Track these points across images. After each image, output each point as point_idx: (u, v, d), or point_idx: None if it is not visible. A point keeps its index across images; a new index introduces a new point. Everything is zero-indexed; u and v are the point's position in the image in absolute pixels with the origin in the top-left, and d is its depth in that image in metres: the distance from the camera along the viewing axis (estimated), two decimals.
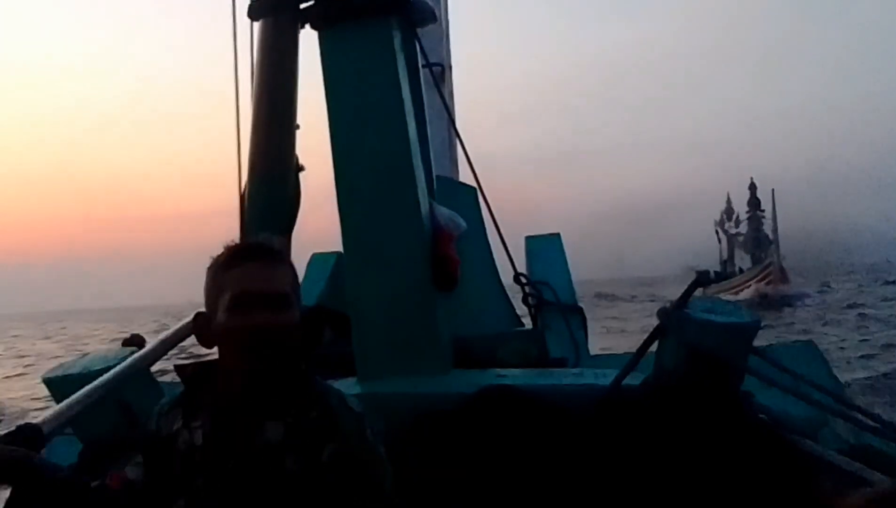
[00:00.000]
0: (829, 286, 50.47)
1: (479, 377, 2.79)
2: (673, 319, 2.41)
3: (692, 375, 2.36)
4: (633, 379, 2.53)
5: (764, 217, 52.59)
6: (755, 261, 50.97)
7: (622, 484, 2.26)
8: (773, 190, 47.44)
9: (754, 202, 54.45)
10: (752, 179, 55.53)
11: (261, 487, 1.53)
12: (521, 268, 3.97)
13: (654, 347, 2.53)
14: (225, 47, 3.23)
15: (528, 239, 4.35)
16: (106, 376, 2.45)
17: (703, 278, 2.87)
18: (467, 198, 3.96)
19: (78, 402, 2.31)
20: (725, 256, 57.11)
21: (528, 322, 3.91)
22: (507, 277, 4.01)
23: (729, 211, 58.48)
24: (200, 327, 1.67)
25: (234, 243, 1.69)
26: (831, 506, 1.95)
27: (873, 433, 2.35)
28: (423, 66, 3.73)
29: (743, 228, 56.17)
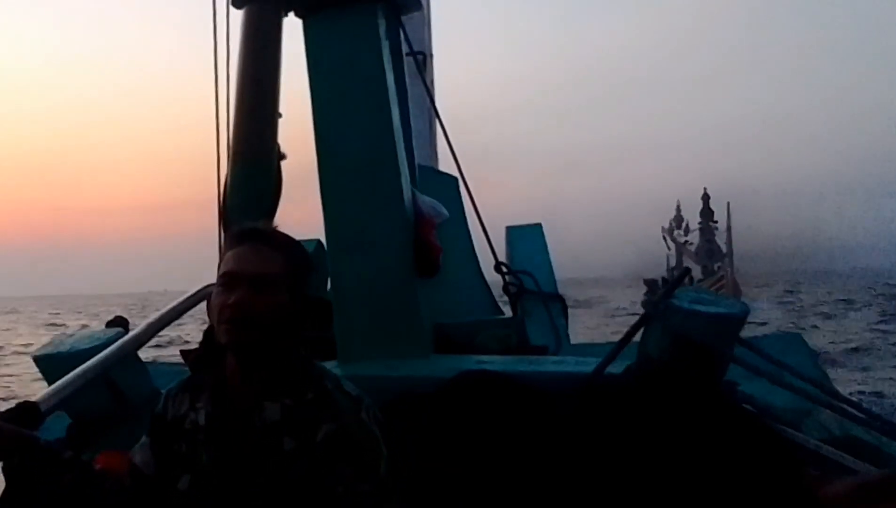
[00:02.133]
0: (790, 293, 50.64)
1: (459, 363, 2.79)
2: (659, 308, 2.40)
3: (676, 363, 2.36)
4: (615, 368, 2.52)
5: (717, 228, 52.39)
6: (706, 273, 50.35)
7: (604, 470, 2.25)
8: (728, 203, 47.05)
9: (707, 213, 53.71)
10: (705, 189, 54.70)
11: (259, 465, 1.60)
12: (502, 257, 3.96)
13: (637, 338, 2.53)
14: (206, 35, 3.19)
15: (510, 229, 4.35)
16: (98, 357, 2.48)
17: (682, 275, 2.88)
18: (449, 187, 3.96)
19: (73, 381, 2.36)
20: (674, 263, 56.81)
21: (509, 312, 3.89)
22: (487, 267, 4.00)
23: (679, 219, 57.93)
24: (208, 302, 1.74)
25: (239, 227, 1.77)
26: (816, 494, 1.96)
27: (858, 423, 2.36)
28: (407, 54, 3.71)
29: (693, 237, 55.79)
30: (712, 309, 2.36)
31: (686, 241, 56.18)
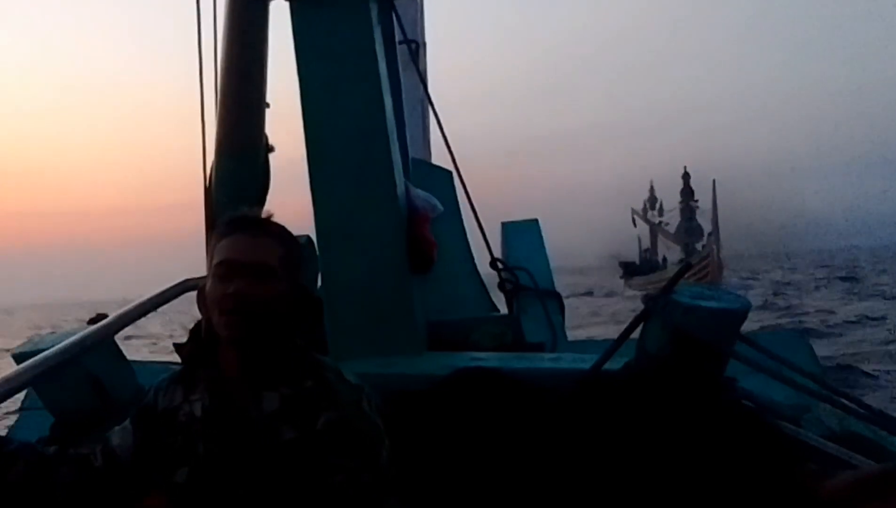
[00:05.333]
0: (758, 278, 50.08)
1: (454, 360, 2.74)
2: (659, 304, 2.37)
3: (676, 358, 2.33)
4: (613, 365, 2.49)
5: (697, 207, 52.14)
6: (687, 252, 50.18)
7: (603, 468, 2.23)
8: (713, 180, 46.06)
9: (687, 192, 53.51)
10: (685, 168, 54.45)
11: (258, 456, 1.59)
12: (497, 253, 3.92)
13: (636, 334, 2.50)
14: (189, 21, 3.10)
15: (505, 225, 4.30)
16: (71, 338, 2.43)
17: (684, 269, 2.85)
18: (442, 181, 3.91)
19: (42, 362, 2.30)
20: (647, 245, 56.54)
21: (504, 309, 3.85)
22: (482, 263, 3.96)
23: (652, 199, 57.97)
24: (199, 294, 1.73)
25: (232, 214, 1.74)
26: (815, 489, 1.94)
27: (858, 419, 2.34)
28: (400, 42, 3.64)
29: (670, 217, 55.50)
30: (713, 304, 2.33)
31: (661, 221, 55.95)
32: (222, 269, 1.63)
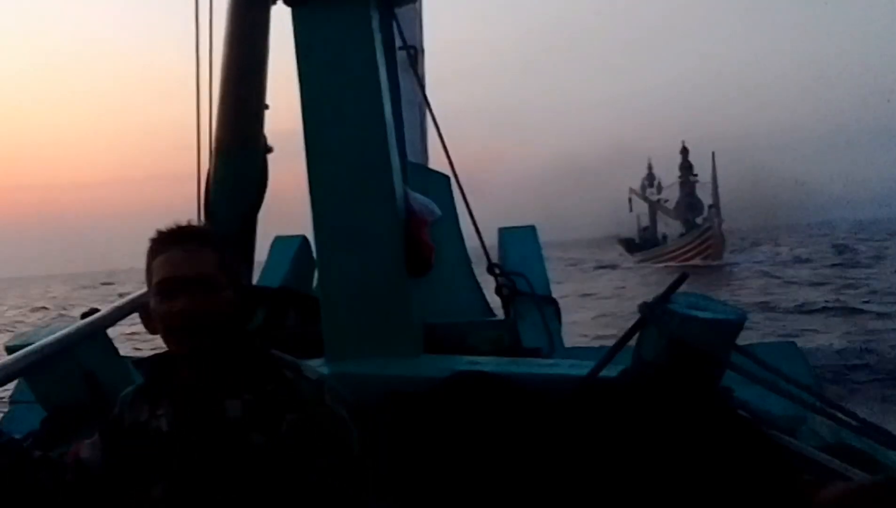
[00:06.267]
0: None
1: (451, 363, 2.75)
2: (656, 312, 2.38)
3: (672, 367, 2.35)
4: (609, 372, 2.50)
5: (697, 181, 51.64)
6: (688, 226, 49.54)
7: (598, 474, 2.23)
8: (713, 153, 44.77)
9: (686, 166, 52.34)
10: (683, 142, 53.35)
11: (230, 464, 1.57)
12: (494, 259, 3.93)
13: (633, 342, 2.51)
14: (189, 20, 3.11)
15: (502, 230, 4.31)
16: (63, 331, 2.43)
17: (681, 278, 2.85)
18: (440, 186, 3.92)
19: (33, 352, 2.30)
20: (646, 222, 56.09)
21: (501, 314, 3.85)
22: (479, 269, 3.96)
23: (650, 177, 57.31)
24: (144, 313, 1.71)
25: (162, 229, 1.70)
26: (809, 500, 1.95)
27: (852, 431, 2.36)
28: (400, 48, 3.65)
29: (669, 193, 54.83)
30: (709, 314, 2.34)
31: (660, 199, 55.60)
32: (163, 287, 1.61)
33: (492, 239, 4.16)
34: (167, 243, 1.66)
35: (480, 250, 3.90)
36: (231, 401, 1.60)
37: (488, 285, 3.91)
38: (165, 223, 1.69)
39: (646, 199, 56.65)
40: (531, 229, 4.29)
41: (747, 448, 2.22)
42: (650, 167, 57.91)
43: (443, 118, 3.91)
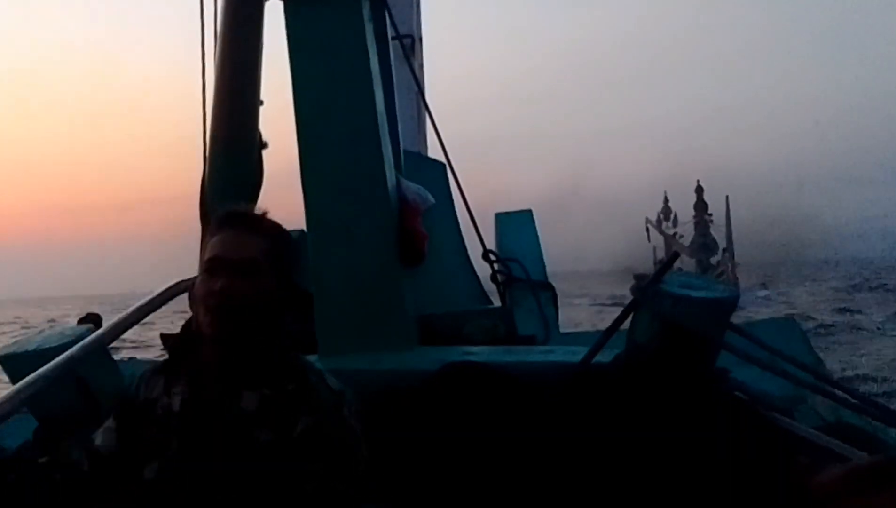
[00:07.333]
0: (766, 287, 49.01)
1: (445, 354, 2.72)
2: (648, 294, 2.34)
3: (666, 350, 2.30)
4: (604, 357, 2.46)
5: (711, 222, 51.29)
6: (702, 267, 48.89)
7: (593, 461, 2.21)
8: (727, 197, 45.50)
9: (701, 206, 52.06)
10: (698, 181, 53.04)
11: (231, 455, 1.57)
12: (491, 245, 3.89)
13: (626, 326, 2.47)
14: (193, 23, 3.11)
15: (499, 216, 4.27)
16: (66, 354, 2.37)
17: (672, 258, 2.81)
18: (435, 173, 3.88)
19: (37, 380, 2.23)
20: (661, 255, 55.52)
21: (497, 301, 3.81)
22: (476, 256, 3.93)
23: (666, 211, 56.55)
24: (189, 290, 1.74)
25: (221, 211, 1.75)
26: (807, 482, 1.91)
27: (851, 409, 2.31)
28: (393, 38, 3.62)
29: (684, 229, 54.22)
30: (702, 294, 2.30)
31: (675, 233, 55.05)
32: (209, 266, 1.64)
33: (490, 226, 4.12)
34: (223, 225, 1.69)
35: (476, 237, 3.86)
36: (248, 393, 1.60)
37: (486, 272, 3.88)
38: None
39: (662, 232, 56.02)
40: (528, 214, 4.24)
41: (743, 430, 2.19)
42: (666, 200, 57.24)
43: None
